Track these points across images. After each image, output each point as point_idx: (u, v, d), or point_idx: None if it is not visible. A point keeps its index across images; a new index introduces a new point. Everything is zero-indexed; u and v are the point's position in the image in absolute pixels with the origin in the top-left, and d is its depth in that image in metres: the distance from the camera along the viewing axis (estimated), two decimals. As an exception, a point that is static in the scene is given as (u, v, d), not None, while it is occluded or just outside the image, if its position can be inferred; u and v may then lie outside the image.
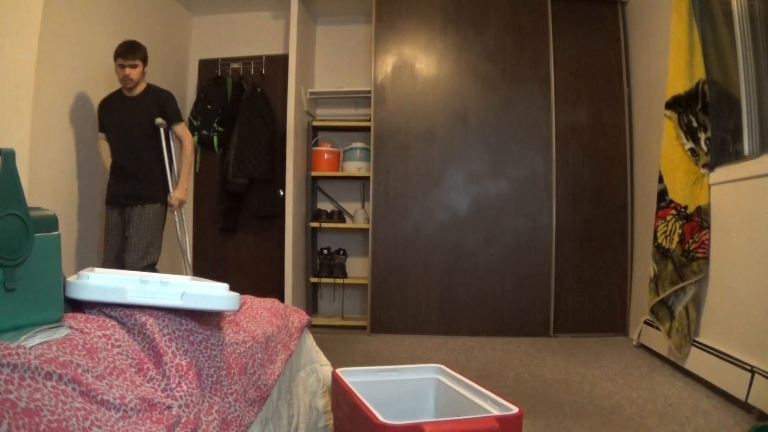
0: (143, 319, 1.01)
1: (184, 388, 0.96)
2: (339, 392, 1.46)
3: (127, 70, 2.88)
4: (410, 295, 3.72)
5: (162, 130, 2.99)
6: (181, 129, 3.08)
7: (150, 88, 3.05)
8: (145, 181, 2.95)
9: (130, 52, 2.88)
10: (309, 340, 1.73)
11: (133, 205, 2.92)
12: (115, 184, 2.99)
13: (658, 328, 2.90)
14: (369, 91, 3.85)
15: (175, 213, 3.18)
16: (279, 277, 3.85)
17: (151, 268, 2.90)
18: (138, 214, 2.90)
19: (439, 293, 3.71)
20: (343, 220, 4.14)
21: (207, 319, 1.18)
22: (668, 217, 2.82)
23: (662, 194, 2.89)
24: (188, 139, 3.08)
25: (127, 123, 2.96)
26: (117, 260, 2.91)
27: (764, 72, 2.44)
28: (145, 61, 2.97)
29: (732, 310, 2.39)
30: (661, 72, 3.07)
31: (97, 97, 3.15)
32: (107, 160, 3.13)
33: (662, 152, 2.91)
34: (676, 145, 2.78)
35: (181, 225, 3.24)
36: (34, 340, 0.83)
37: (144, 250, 2.85)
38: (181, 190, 3.03)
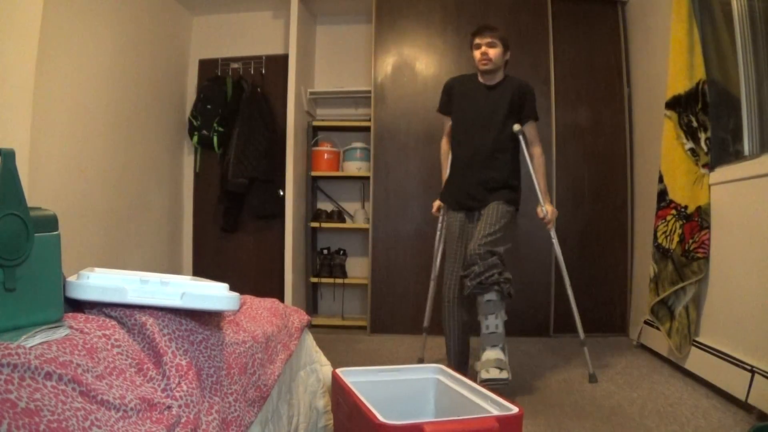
0: (143, 319, 1.01)
1: (184, 388, 0.96)
2: (339, 392, 1.46)
3: (484, 48, 2.42)
4: (410, 295, 3.72)
5: None
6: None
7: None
8: None
9: (486, 29, 2.45)
10: (309, 340, 1.73)
11: None
12: None
13: (658, 328, 2.90)
14: (369, 91, 3.85)
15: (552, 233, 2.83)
16: (279, 277, 3.85)
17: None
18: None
19: (439, 293, 3.70)
20: (343, 220, 4.14)
21: (207, 319, 1.18)
22: (668, 217, 2.82)
23: (662, 194, 2.89)
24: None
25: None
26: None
27: (764, 72, 2.44)
28: (505, 44, 2.52)
29: (732, 310, 2.39)
30: (661, 72, 3.07)
31: (97, 97, 3.14)
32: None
33: (662, 152, 2.91)
34: (676, 145, 2.78)
35: None
36: (34, 340, 0.83)
37: None
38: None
